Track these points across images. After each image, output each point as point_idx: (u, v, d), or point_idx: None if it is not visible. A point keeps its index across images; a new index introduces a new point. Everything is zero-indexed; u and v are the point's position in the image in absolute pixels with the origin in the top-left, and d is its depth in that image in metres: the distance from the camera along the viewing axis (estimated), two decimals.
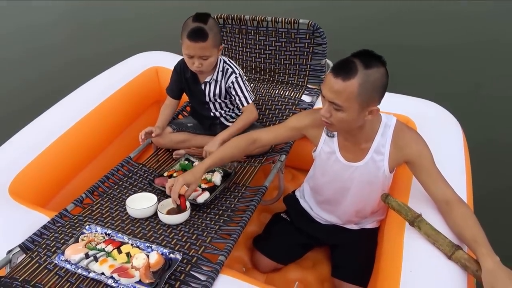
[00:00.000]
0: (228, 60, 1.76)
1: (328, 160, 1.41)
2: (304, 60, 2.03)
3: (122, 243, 1.22)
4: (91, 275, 1.12)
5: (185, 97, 1.88)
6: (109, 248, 1.20)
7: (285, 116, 1.90)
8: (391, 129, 1.30)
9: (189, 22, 1.58)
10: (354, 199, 1.44)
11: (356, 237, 1.55)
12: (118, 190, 1.55)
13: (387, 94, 1.85)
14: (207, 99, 1.77)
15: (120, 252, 1.18)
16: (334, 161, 1.39)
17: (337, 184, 1.43)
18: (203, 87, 1.74)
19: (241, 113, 1.81)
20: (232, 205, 1.45)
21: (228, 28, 2.09)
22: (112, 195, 1.51)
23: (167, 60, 2.19)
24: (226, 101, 1.80)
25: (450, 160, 1.48)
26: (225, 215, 1.39)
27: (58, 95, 1.96)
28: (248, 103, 1.75)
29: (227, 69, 1.72)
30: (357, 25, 4.15)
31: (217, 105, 1.81)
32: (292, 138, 1.54)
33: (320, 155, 1.43)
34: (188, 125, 1.86)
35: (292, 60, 2.05)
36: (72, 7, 5.09)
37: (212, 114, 1.82)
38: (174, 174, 1.60)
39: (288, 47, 2.02)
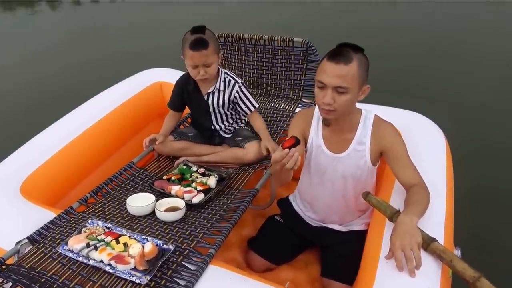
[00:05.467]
0: (229, 71, 1.88)
1: (315, 154, 1.51)
2: (299, 75, 2.15)
3: (120, 235, 1.32)
4: (91, 262, 1.22)
5: (187, 110, 2.00)
6: (108, 238, 1.30)
7: (279, 127, 2.01)
8: (371, 121, 1.43)
9: (188, 36, 1.69)
10: (338, 193, 1.53)
11: (345, 238, 1.62)
12: (120, 191, 1.66)
13: (374, 106, 1.95)
14: (211, 109, 1.88)
15: (118, 242, 1.28)
16: (320, 153, 1.50)
17: (323, 178, 1.53)
18: (206, 98, 1.86)
19: (245, 122, 1.93)
20: (225, 206, 1.54)
21: (228, 46, 2.24)
22: (114, 196, 1.62)
23: (170, 76, 2.33)
24: (228, 112, 1.90)
25: (433, 166, 1.56)
26: (218, 214, 1.49)
27: None
28: (255, 107, 1.88)
29: (229, 80, 1.83)
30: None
31: (219, 118, 1.91)
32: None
33: (311, 149, 1.52)
34: (189, 134, 1.97)
35: (287, 75, 2.18)
36: None
37: (212, 127, 1.94)
38: (173, 178, 1.71)
39: (283, 64, 2.15)
